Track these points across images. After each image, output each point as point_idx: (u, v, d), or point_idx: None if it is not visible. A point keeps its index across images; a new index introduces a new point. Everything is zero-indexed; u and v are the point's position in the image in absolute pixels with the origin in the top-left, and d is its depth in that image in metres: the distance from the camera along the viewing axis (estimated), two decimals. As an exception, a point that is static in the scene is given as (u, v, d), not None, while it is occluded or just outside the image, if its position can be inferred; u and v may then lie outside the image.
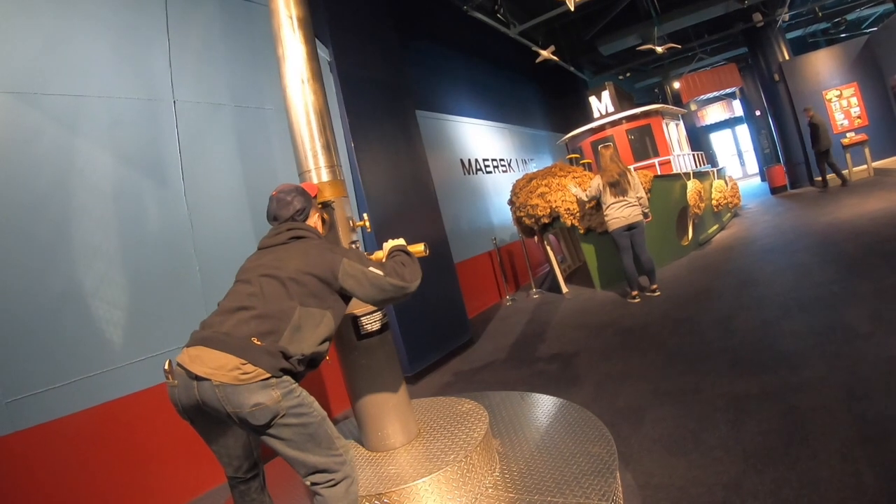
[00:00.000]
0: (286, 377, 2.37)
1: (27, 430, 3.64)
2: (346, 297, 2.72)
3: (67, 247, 4.07)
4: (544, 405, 4.19)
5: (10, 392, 3.61)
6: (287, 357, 2.38)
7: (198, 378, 2.25)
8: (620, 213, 7.47)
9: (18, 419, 3.61)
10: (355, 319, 3.35)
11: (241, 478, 2.64)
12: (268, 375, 2.28)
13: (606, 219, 7.64)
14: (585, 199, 7.95)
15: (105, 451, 3.97)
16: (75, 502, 3.78)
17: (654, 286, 7.68)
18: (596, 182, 7.68)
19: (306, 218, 2.96)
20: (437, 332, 6.84)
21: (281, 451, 2.37)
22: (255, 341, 2.32)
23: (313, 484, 2.44)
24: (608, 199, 7.55)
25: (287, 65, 3.60)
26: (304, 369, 2.54)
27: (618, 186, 7.53)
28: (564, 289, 9.66)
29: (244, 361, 2.27)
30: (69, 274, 4.04)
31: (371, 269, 2.66)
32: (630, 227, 7.53)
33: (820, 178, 15.31)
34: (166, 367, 2.35)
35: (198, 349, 2.32)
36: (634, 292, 7.69)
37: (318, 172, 3.51)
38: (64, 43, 4.34)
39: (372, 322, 3.39)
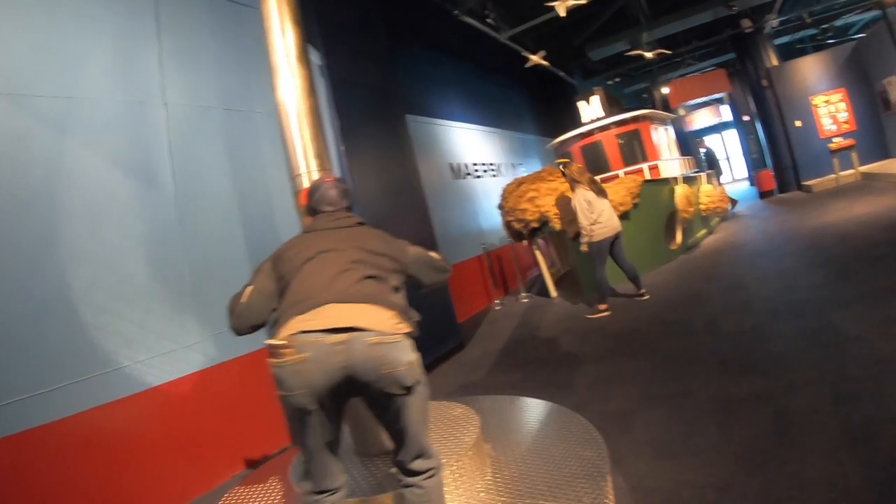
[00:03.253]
0: None
1: (13, 436, 3.60)
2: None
3: (56, 250, 4.04)
4: (535, 409, 4.20)
5: (-1, 397, 3.58)
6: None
7: (349, 332, 2.12)
8: (610, 221, 7.45)
9: (4, 425, 3.57)
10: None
11: (336, 489, 2.39)
12: (409, 331, 2.26)
13: (598, 227, 7.40)
14: (588, 221, 7.72)
15: (92, 457, 3.93)
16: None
17: (642, 291, 7.69)
18: (582, 199, 7.46)
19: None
20: (427, 336, 6.77)
21: (409, 421, 2.26)
22: (391, 297, 2.30)
23: (414, 474, 2.35)
24: (598, 205, 7.45)
25: (278, 68, 3.61)
26: None
27: (601, 189, 7.58)
28: (553, 293, 9.69)
29: (395, 314, 2.24)
30: (57, 278, 4.01)
31: (430, 252, 2.72)
32: (616, 236, 7.53)
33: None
34: (280, 341, 2.13)
35: (334, 307, 2.21)
36: (604, 305, 7.50)
37: (310, 176, 3.51)
38: (54, 44, 4.33)
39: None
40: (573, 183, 7.62)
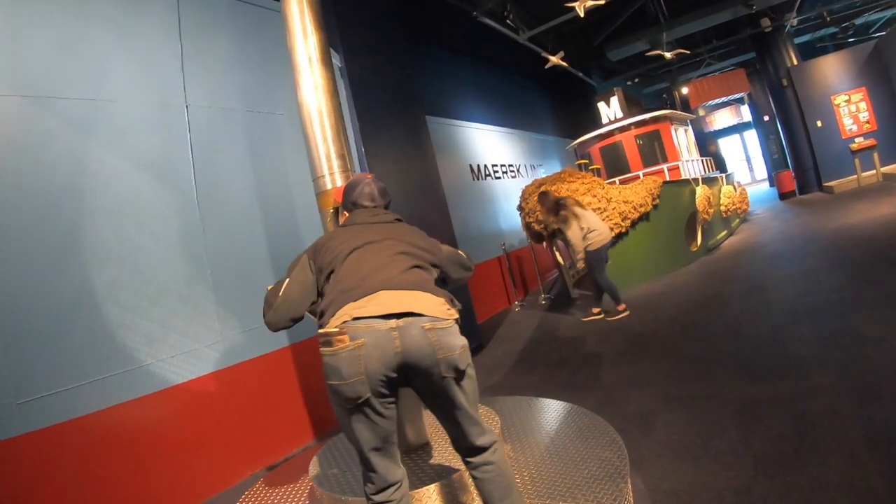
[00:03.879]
0: None
1: (39, 432, 3.66)
2: None
3: (80, 250, 4.10)
4: (554, 410, 4.20)
5: (23, 393, 3.63)
6: None
7: (404, 318, 2.16)
8: (603, 227, 7.44)
9: (30, 420, 3.63)
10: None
11: (398, 482, 2.36)
12: (457, 317, 2.31)
13: (593, 235, 7.29)
14: (583, 244, 7.67)
15: (114, 453, 3.99)
16: (90, 501, 3.81)
17: (598, 310, 7.70)
18: (577, 229, 7.37)
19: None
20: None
21: (465, 403, 2.30)
22: (436, 286, 2.34)
23: (480, 451, 2.39)
24: (586, 218, 7.39)
25: (300, 70, 3.66)
26: None
27: (580, 203, 7.66)
28: (573, 294, 9.67)
29: (444, 300, 2.28)
30: (82, 277, 4.07)
31: (458, 250, 2.82)
32: (612, 242, 7.51)
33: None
34: (334, 328, 2.13)
35: (388, 293, 2.24)
36: (622, 306, 7.46)
37: (332, 178, 3.55)
38: (78, 47, 4.39)
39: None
40: (564, 217, 7.50)
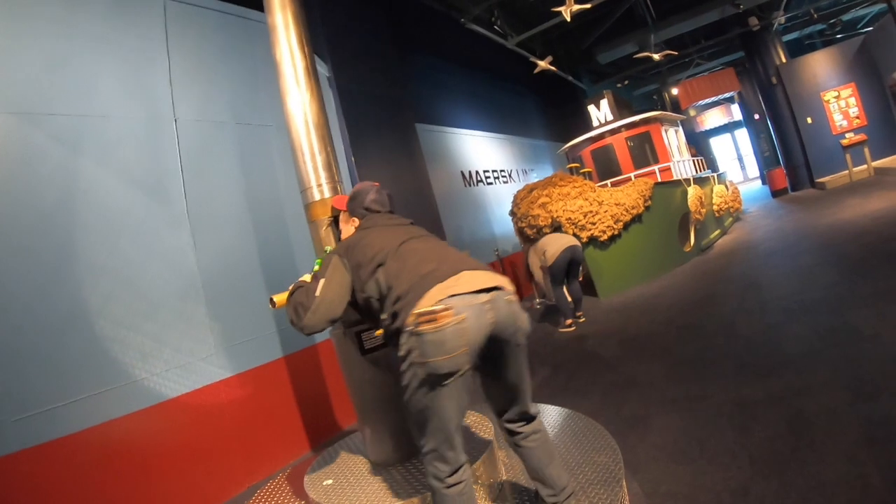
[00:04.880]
0: None
1: (34, 448, 3.63)
2: None
3: (73, 266, 4.09)
4: (549, 415, 4.18)
5: (17, 410, 3.61)
6: None
7: (493, 291, 2.31)
8: (558, 241, 7.65)
9: (25, 437, 3.61)
10: (359, 335, 3.36)
11: (467, 460, 2.47)
12: None
13: (548, 254, 7.57)
14: (538, 267, 7.85)
15: (111, 468, 3.96)
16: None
17: (580, 314, 7.91)
18: (534, 258, 7.85)
19: None
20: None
21: (525, 369, 2.52)
22: None
23: (531, 419, 2.61)
24: (541, 243, 7.79)
25: (286, 82, 3.66)
26: None
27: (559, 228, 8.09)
28: (568, 298, 9.67)
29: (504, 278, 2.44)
30: (75, 293, 4.06)
31: None
32: (573, 254, 7.59)
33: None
34: (437, 306, 2.19)
35: (469, 273, 2.36)
36: (569, 321, 7.68)
37: (321, 189, 3.55)
38: (66, 63, 4.39)
39: (375, 337, 3.40)
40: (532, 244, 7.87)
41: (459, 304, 2.21)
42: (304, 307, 2.55)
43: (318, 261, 3.09)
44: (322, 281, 2.57)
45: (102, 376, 4.07)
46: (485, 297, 2.27)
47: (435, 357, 2.18)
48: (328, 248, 3.25)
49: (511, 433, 2.62)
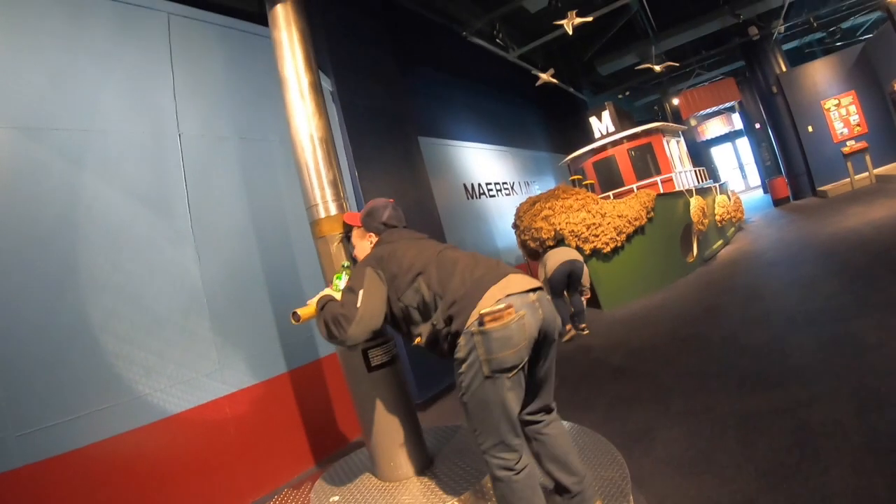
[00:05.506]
0: None
1: (38, 463, 3.63)
2: None
3: (76, 281, 4.09)
4: (555, 429, 4.18)
5: (21, 426, 3.61)
6: None
7: (537, 291, 2.51)
8: (555, 256, 7.92)
9: (29, 453, 3.61)
10: (365, 352, 3.37)
11: (537, 412, 2.71)
12: None
13: (549, 266, 7.89)
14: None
15: (115, 483, 3.96)
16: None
17: (583, 325, 7.99)
18: (542, 274, 8.04)
19: None
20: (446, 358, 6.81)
21: (554, 366, 2.67)
22: None
23: (552, 410, 2.77)
24: (548, 256, 8.05)
25: (291, 97, 3.68)
26: None
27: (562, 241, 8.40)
28: (570, 310, 9.66)
29: None
30: (78, 308, 4.05)
31: None
32: (572, 268, 7.79)
33: None
34: (501, 305, 2.36)
35: (514, 275, 2.55)
36: (569, 326, 7.96)
37: (326, 206, 3.57)
38: (69, 78, 4.40)
39: (382, 354, 3.41)
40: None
41: (518, 302, 2.39)
42: (348, 319, 2.61)
43: (338, 275, 3.13)
44: (362, 292, 2.65)
45: (106, 392, 4.06)
46: (532, 296, 2.47)
47: (502, 352, 2.34)
48: (346, 263, 3.28)
49: (531, 423, 2.72)
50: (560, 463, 2.69)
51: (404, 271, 2.66)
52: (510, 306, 2.35)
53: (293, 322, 2.99)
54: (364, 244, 3.14)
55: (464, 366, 2.41)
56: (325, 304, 2.81)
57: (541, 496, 2.52)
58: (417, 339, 2.72)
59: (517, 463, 2.46)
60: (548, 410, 2.74)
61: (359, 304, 2.61)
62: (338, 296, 2.90)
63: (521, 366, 2.39)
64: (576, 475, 2.68)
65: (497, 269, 2.58)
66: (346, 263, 3.29)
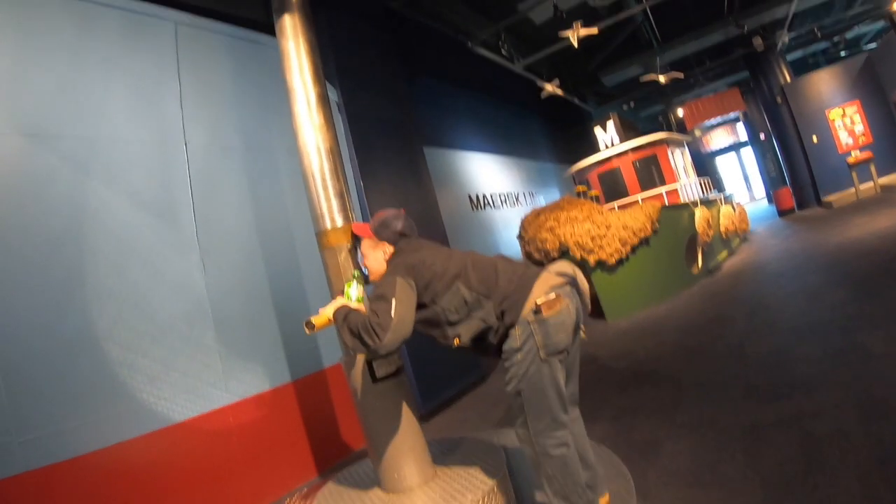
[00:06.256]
0: None
1: (40, 469, 3.63)
2: None
3: (81, 289, 4.10)
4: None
5: (24, 431, 3.61)
6: None
7: (567, 286, 2.77)
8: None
9: (32, 459, 3.61)
10: (370, 362, 3.37)
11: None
12: None
13: None
14: None
15: (117, 490, 3.96)
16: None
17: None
18: None
19: None
20: (449, 368, 6.82)
21: (579, 352, 2.98)
22: None
23: (575, 403, 3.10)
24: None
25: (298, 108, 3.71)
26: None
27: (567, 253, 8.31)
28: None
29: None
30: (83, 316, 4.07)
31: None
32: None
33: None
34: (552, 295, 2.67)
35: (546, 272, 2.81)
36: None
37: (332, 217, 3.59)
38: (77, 86, 4.43)
39: (386, 365, 3.42)
40: None
41: (562, 292, 2.70)
42: (383, 327, 2.63)
43: (349, 283, 3.13)
44: (394, 301, 2.68)
45: (110, 399, 4.07)
46: (568, 287, 2.77)
47: (557, 336, 2.65)
48: (356, 273, 3.29)
49: None
50: (579, 456, 2.86)
51: (439, 276, 2.81)
52: (559, 295, 2.67)
53: (306, 332, 2.99)
54: (377, 254, 3.16)
55: (519, 354, 2.68)
56: (346, 314, 2.84)
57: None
58: (456, 340, 2.85)
59: (567, 437, 2.76)
60: (574, 401, 3.03)
61: (393, 313, 2.64)
62: (353, 305, 2.94)
63: (569, 347, 2.73)
64: (591, 469, 2.92)
65: (532, 267, 2.88)
66: (356, 272, 3.30)
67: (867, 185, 14.81)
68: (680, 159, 12.77)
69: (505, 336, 2.75)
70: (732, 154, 32.95)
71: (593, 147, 12.97)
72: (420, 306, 2.81)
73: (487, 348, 2.89)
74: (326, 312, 2.97)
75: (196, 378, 4.60)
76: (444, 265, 2.86)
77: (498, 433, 4.54)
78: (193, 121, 5.18)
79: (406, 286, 2.75)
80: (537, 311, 2.63)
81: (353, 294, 3.06)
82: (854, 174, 14.89)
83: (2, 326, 3.66)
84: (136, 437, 4.13)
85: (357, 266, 3.53)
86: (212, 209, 5.10)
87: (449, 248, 3.16)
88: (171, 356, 4.50)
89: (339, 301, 3.00)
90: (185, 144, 5.06)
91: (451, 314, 2.81)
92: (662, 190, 11.42)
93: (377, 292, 2.78)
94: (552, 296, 2.66)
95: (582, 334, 2.88)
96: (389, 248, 3.12)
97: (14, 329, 3.71)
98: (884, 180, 14.66)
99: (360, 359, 3.39)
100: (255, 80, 5.87)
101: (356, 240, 3.50)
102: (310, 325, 2.96)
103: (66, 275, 4.05)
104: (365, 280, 3.29)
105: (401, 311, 2.66)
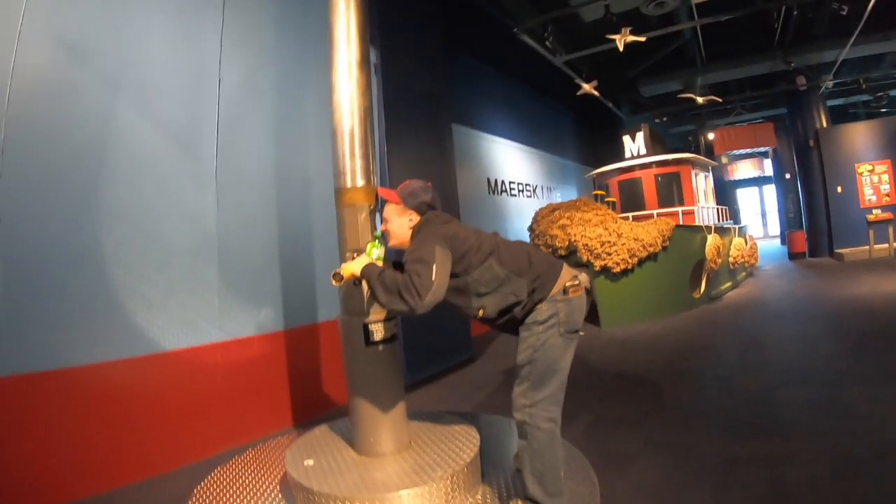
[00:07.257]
0: None
1: (27, 375, 3.71)
2: None
3: (97, 204, 4.17)
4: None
5: (15, 336, 3.69)
6: None
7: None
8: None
9: (20, 363, 3.68)
10: (366, 325, 3.40)
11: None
12: None
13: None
14: None
15: (95, 407, 4.05)
16: (65, 452, 3.86)
17: None
18: None
19: None
20: (439, 344, 6.86)
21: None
22: None
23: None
24: None
25: (339, 66, 3.69)
26: None
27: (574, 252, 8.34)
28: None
29: None
30: (93, 232, 4.13)
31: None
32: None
33: None
34: (576, 280, 2.98)
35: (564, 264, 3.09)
36: None
37: (354, 176, 3.59)
38: (121, 5, 4.44)
39: (383, 330, 3.45)
40: None
41: (580, 282, 2.99)
42: (425, 288, 2.71)
43: (373, 244, 3.14)
44: (435, 266, 2.76)
45: (106, 318, 4.15)
46: (578, 279, 3.01)
47: (576, 316, 2.97)
48: (378, 234, 3.30)
49: None
50: None
51: (475, 250, 2.95)
52: (580, 283, 2.97)
53: (333, 283, 3.03)
54: (402, 220, 3.17)
55: (542, 326, 2.91)
56: (379, 271, 2.89)
57: None
58: (481, 311, 3.01)
59: (558, 419, 2.99)
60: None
61: (433, 277, 2.73)
62: (379, 264, 3.01)
63: (579, 328, 3.01)
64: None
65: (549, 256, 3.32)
66: (378, 234, 3.31)
67: (882, 246, 14.77)
68: (702, 183, 12.73)
69: (531, 311, 2.94)
70: (755, 188, 32.86)
71: (618, 154, 12.93)
72: (452, 276, 2.90)
73: (508, 322, 3.05)
74: (351, 268, 3.00)
75: (193, 311, 4.65)
76: (477, 241, 3.00)
77: (475, 416, 4.58)
78: (230, 58, 5.18)
79: (444, 254, 2.84)
80: (565, 291, 2.92)
81: (376, 254, 3.08)
82: (871, 232, 14.84)
83: (13, 227, 3.71)
84: (125, 358, 4.20)
85: (373, 229, 3.55)
86: (235, 149, 5.12)
87: (475, 228, 3.23)
88: (172, 286, 4.56)
89: (365, 259, 3.04)
90: (219, 80, 5.06)
91: (481, 286, 2.94)
92: (679, 209, 11.39)
93: (415, 255, 2.83)
94: (576, 282, 2.95)
95: (581, 332, 2.96)
96: (416, 217, 3.16)
97: (25, 233, 3.78)
98: (900, 244, 14.63)
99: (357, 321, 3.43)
100: (297, 28, 5.86)
101: (381, 203, 3.50)
102: (338, 276, 3.01)
103: (83, 189, 4.11)
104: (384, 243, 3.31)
105: (440, 275, 2.77)
